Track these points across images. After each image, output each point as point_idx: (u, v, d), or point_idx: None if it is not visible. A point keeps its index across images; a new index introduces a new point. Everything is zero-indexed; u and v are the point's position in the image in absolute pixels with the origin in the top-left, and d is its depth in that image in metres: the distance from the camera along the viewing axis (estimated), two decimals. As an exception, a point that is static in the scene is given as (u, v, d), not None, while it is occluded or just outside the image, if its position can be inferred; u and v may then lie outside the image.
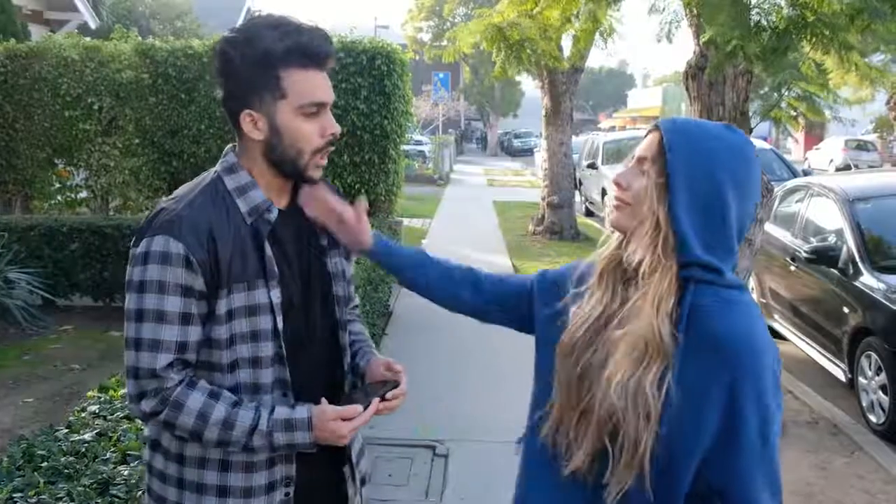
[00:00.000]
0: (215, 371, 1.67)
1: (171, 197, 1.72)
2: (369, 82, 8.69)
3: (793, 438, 5.13)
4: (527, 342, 1.80)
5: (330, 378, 1.83)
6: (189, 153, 8.92)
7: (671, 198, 1.42)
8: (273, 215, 1.71)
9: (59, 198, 9.62)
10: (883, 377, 5.30)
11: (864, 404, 5.58)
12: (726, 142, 1.46)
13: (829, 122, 6.19)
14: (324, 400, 1.69)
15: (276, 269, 1.69)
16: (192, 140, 8.89)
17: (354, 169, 8.91)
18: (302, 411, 1.65)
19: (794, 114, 5.56)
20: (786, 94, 5.11)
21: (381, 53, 8.75)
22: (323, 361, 1.82)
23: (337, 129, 1.77)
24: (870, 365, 5.50)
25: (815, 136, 33.28)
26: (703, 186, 1.42)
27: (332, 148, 1.77)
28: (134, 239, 1.66)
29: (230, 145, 1.78)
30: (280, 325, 1.68)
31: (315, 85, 1.72)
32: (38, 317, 7.22)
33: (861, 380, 5.61)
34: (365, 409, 1.68)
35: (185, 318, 1.61)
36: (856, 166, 25.39)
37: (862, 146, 30.17)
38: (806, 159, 31.29)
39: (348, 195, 7.78)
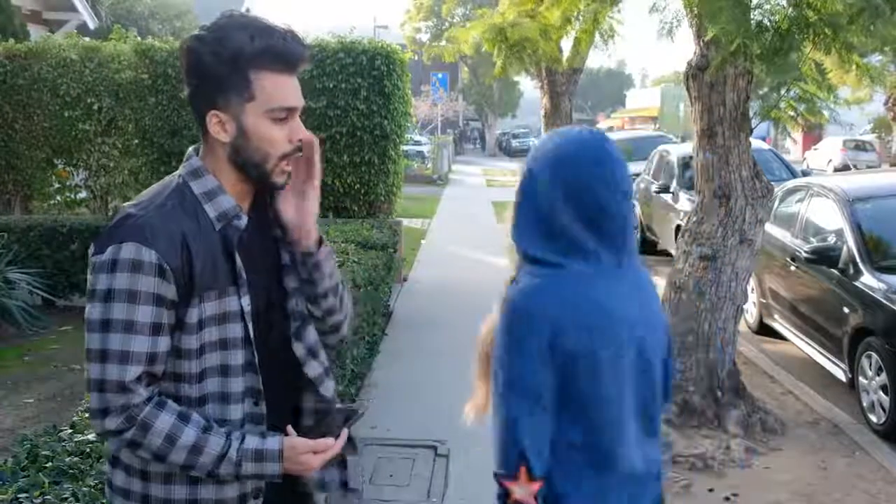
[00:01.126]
0: (182, 382, 1.61)
1: (134, 202, 1.65)
2: (369, 83, 8.72)
3: (794, 438, 5.10)
4: None
5: (290, 391, 1.79)
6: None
7: (517, 209, 1.83)
8: (243, 222, 1.66)
9: (58, 198, 9.63)
10: (883, 377, 5.28)
11: (864, 404, 5.56)
12: (559, 150, 1.77)
13: (828, 123, 6.19)
14: (291, 430, 1.67)
15: (245, 275, 1.65)
16: (191, 140, 8.81)
17: (354, 169, 8.92)
18: (273, 443, 1.61)
19: (793, 114, 5.57)
20: (785, 94, 5.07)
21: (380, 54, 8.78)
22: (282, 372, 1.76)
23: (305, 135, 1.68)
24: (870, 365, 5.48)
25: (813, 136, 33.12)
26: (533, 200, 1.77)
27: (300, 154, 1.69)
28: (94, 246, 1.58)
29: (192, 148, 1.73)
30: (251, 332, 1.65)
31: (286, 89, 1.64)
32: (37, 317, 7.20)
33: (861, 380, 5.59)
34: (336, 439, 1.68)
35: (156, 329, 1.56)
36: (854, 167, 25.24)
37: (860, 146, 29.98)
38: (804, 159, 31.17)
39: (348, 195, 7.76)
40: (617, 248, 1.73)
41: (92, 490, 2.15)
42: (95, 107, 9.08)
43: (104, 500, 2.07)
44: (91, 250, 1.59)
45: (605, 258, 1.72)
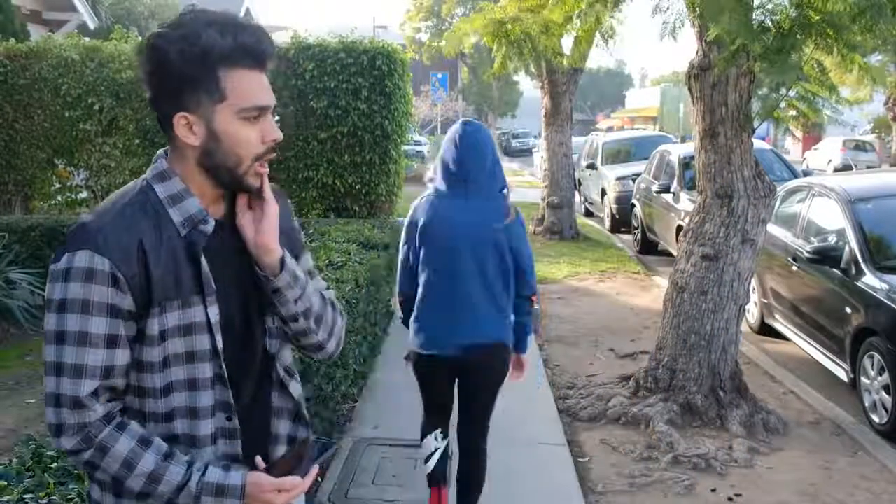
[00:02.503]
0: (147, 397, 1.54)
1: (94, 210, 1.58)
2: (370, 82, 8.71)
3: (796, 438, 5.11)
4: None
5: (265, 410, 1.71)
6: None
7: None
8: (209, 226, 1.57)
9: (59, 198, 9.62)
10: (886, 377, 5.28)
11: (866, 404, 5.56)
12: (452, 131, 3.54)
13: (829, 123, 6.18)
14: (260, 461, 1.60)
15: (213, 284, 1.56)
16: None
17: (355, 169, 8.90)
18: (236, 477, 1.52)
19: (795, 114, 5.55)
20: (785, 94, 5.03)
21: (381, 54, 8.77)
22: (259, 389, 1.69)
23: (278, 135, 1.58)
24: (872, 365, 5.47)
25: (813, 136, 32.92)
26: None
27: (273, 155, 1.60)
28: (54, 255, 1.52)
29: (161, 150, 1.63)
30: (220, 344, 1.56)
31: (257, 87, 1.55)
32: (39, 317, 7.19)
33: (864, 380, 5.58)
34: (303, 477, 1.61)
35: (112, 341, 1.48)
36: (854, 166, 25.10)
37: (860, 146, 29.84)
38: (804, 159, 30.97)
39: (349, 195, 7.78)
40: (459, 184, 3.42)
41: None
42: (96, 107, 9.07)
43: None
44: (51, 259, 1.53)
45: (450, 191, 3.45)
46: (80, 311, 1.46)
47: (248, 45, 1.52)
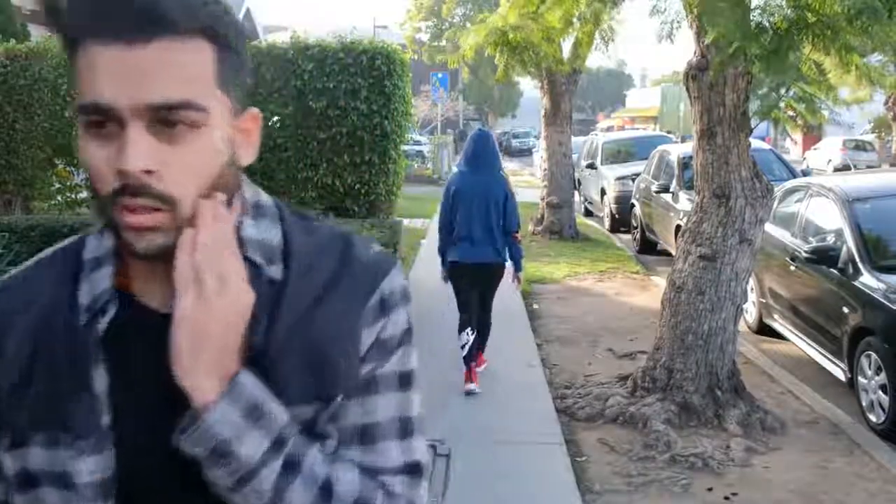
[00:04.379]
0: None
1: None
2: (369, 83, 8.65)
3: (793, 438, 5.11)
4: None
5: None
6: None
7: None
8: (107, 318, 0.94)
9: (59, 198, 9.59)
10: (883, 377, 5.28)
11: (863, 404, 5.55)
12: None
13: (828, 123, 6.20)
14: None
15: (104, 418, 0.92)
16: None
17: (355, 169, 8.83)
18: None
19: (793, 115, 5.56)
20: (785, 94, 5.06)
21: (381, 54, 8.72)
22: None
23: (130, 164, 0.84)
24: (869, 364, 5.47)
25: (813, 136, 32.66)
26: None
27: (140, 201, 0.86)
28: None
29: None
30: None
31: (104, 74, 0.85)
32: None
33: (861, 379, 5.58)
34: None
35: None
36: (854, 166, 24.85)
37: (860, 146, 29.59)
38: (804, 159, 30.31)
39: (349, 195, 7.86)
40: (473, 166, 5.80)
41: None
42: None
43: None
44: None
45: (470, 169, 5.83)
46: None
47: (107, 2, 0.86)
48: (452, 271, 5.82)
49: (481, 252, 5.65)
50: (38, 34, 11.82)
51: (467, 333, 5.74)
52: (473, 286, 5.81)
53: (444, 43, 20.07)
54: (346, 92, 8.62)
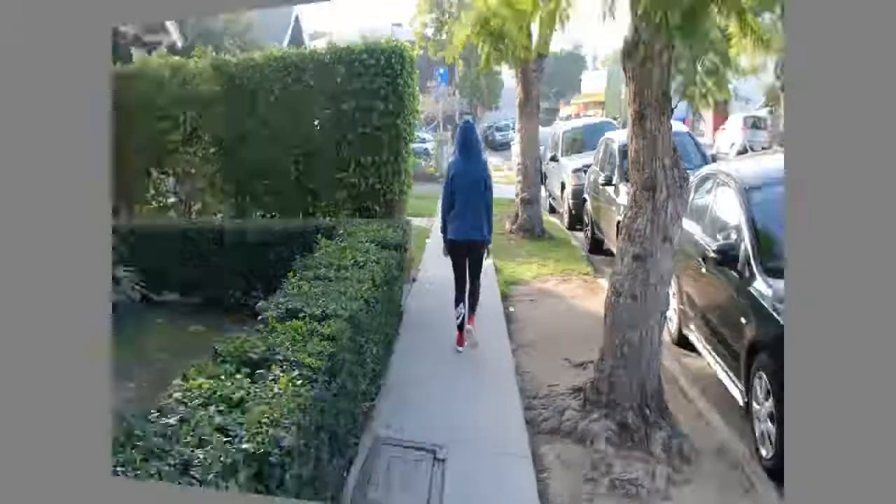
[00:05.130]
0: None
1: None
2: (387, 82, 7.43)
3: (702, 469, 3.88)
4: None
5: None
6: (252, 160, 7.99)
7: None
8: None
9: (153, 203, 9.33)
10: (771, 403, 3.64)
11: (756, 434, 3.89)
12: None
13: (732, 99, 5.58)
14: None
15: None
16: (255, 147, 8.23)
17: (376, 170, 7.51)
18: None
19: (704, 91, 4.44)
20: (700, 63, 4.13)
21: (395, 52, 7.45)
22: None
23: None
24: (761, 387, 3.80)
25: (720, 114, 25.01)
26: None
27: None
28: None
29: None
30: None
31: None
32: (136, 312, 6.83)
33: (754, 405, 3.91)
34: None
35: None
36: (751, 148, 19.22)
37: (756, 124, 22.79)
38: (714, 142, 23.47)
39: (370, 195, 7.25)
40: (466, 155, 5.71)
41: (171, 469, 2.03)
42: (181, 118, 8.77)
43: (180, 480, 1.98)
44: None
45: (462, 158, 5.68)
46: None
47: None
48: (451, 248, 5.82)
49: (472, 232, 5.67)
50: (137, 55, 11.59)
51: (460, 308, 5.77)
52: (465, 258, 5.82)
53: (444, 37, 18.52)
54: (370, 92, 7.62)
